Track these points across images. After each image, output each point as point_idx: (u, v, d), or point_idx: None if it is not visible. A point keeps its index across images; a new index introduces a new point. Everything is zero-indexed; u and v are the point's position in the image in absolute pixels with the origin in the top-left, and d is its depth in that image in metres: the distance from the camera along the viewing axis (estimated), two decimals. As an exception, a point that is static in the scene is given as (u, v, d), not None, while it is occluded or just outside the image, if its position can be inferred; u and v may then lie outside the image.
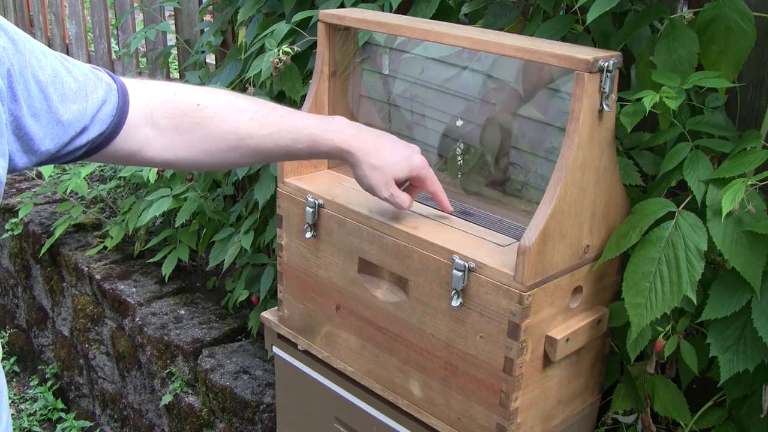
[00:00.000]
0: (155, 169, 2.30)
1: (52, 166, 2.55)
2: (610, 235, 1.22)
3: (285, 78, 1.74)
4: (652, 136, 1.31)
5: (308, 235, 1.38)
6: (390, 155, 1.17)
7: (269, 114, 1.09)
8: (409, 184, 1.23)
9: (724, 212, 1.08)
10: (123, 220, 2.62)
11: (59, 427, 2.80)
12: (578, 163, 1.11)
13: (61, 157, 0.94)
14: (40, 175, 3.06)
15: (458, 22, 1.57)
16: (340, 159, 1.17)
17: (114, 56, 3.46)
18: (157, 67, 2.92)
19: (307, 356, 1.50)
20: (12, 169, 0.87)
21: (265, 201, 1.85)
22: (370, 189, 1.19)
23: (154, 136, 1.01)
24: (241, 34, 2.07)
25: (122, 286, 2.49)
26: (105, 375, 2.63)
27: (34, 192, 3.09)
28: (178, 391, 2.20)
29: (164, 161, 1.05)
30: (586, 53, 1.09)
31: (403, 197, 1.20)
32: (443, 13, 1.56)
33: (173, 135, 1.03)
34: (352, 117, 1.52)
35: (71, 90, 0.90)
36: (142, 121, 1.00)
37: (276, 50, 1.68)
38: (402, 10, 1.57)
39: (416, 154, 1.20)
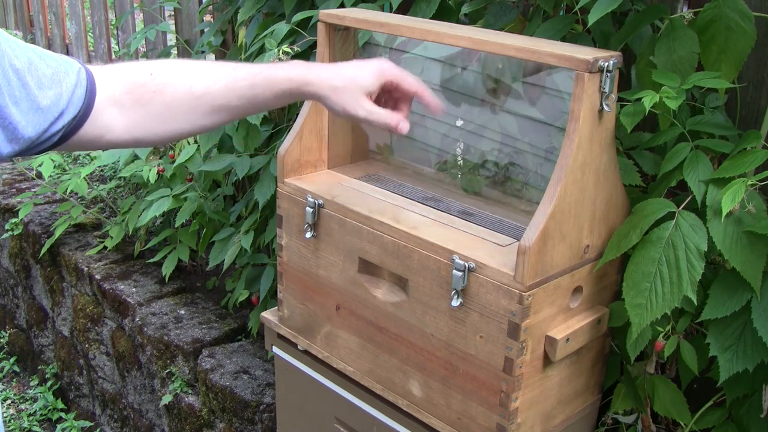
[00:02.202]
0: (155, 169, 2.30)
1: (52, 166, 2.56)
2: (610, 235, 1.22)
3: (285, 78, 1.74)
4: (652, 136, 1.31)
5: (308, 235, 1.38)
6: (352, 70, 1.10)
7: (221, 68, 1.08)
8: (396, 99, 1.15)
9: (724, 212, 1.08)
10: (123, 220, 2.62)
11: (59, 427, 2.80)
12: (578, 163, 1.11)
13: (40, 144, 0.95)
14: (40, 175, 3.06)
15: (458, 22, 1.58)
16: (304, 97, 1.13)
17: (114, 56, 3.46)
18: (157, 67, 2.91)
19: (307, 356, 1.50)
20: None
21: (265, 201, 1.85)
22: (345, 114, 1.11)
23: (118, 114, 1.02)
24: (241, 34, 2.07)
25: (122, 286, 2.49)
26: (105, 375, 2.63)
27: (34, 192, 3.09)
28: (178, 391, 2.20)
29: (131, 138, 1.05)
30: (586, 53, 1.09)
31: (385, 112, 1.11)
32: (443, 13, 1.56)
33: (136, 109, 1.03)
34: (352, 117, 1.52)
35: (46, 76, 0.92)
36: (105, 102, 1.01)
37: (276, 50, 1.68)
38: (402, 10, 1.57)
39: (378, 60, 1.13)
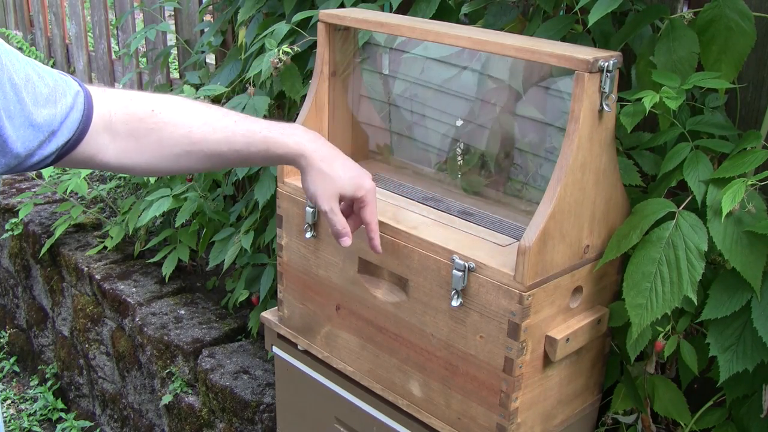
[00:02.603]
0: (155, 169, 2.30)
1: (51, 167, 2.55)
2: (610, 235, 1.22)
3: (285, 78, 1.74)
4: (652, 136, 1.31)
5: (308, 235, 1.38)
6: (341, 168, 1.15)
7: (223, 118, 1.10)
8: (351, 213, 1.20)
9: (724, 212, 1.08)
10: (123, 220, 2.62)
11: (59, 427, 2.80)
12: (578, 163, 1.11)
13: (30, 165, 0.95)
14: (40, 175, 3.06)
15: (458, 22, 1.57)
16: (292, 164, 1.15)
17: (114, 56, 3.46)
18: (157, 67, 2.92)
19: (307, 356, 1.50)
20: None
21: (265, 201, 1.85)
22: (313, 198, 1.15)
23: (110, 141, 1.03)
24: (241, 34, 2.07)
25: (122, 286, 2.49)
26: (105, 375, 2.63)
27: (34, 192, 3.09)
28: (178, 391, 2.20)
29: (120, 166, 1.06)
30: (586, 53, 1.09)
31: (341, 220, 1.16)
32: (443, 13, 1.56)
33: (129, 140, 1.04)
34: (352, 117, 1.52)
35: (42, 95, 0.93)
36: (101, 126, 1.01)
37: (276, 50, 1.68)
38: (402, 10, 1.57)
39: (367, 177, 1.17)
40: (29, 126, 0.91)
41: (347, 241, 1.17)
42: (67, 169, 2.90)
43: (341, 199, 1.16)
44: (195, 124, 1.07)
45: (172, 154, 1.07)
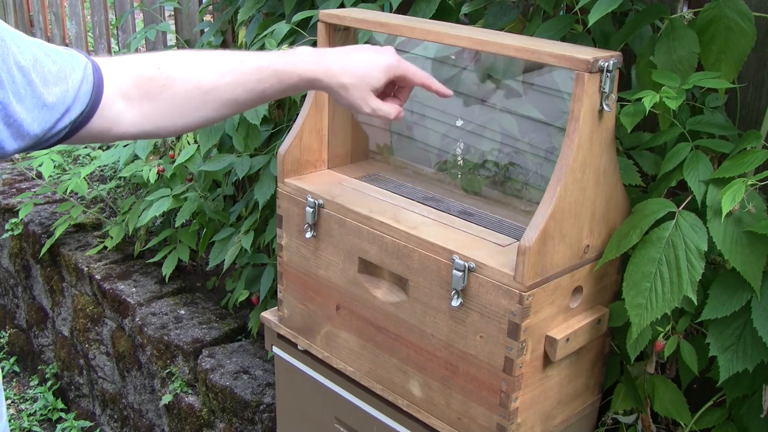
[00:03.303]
0: (155, 169, 2.30)
1: (52, 166, 2.56)
2: (610, 235, 1.22)
3: (285, 78, 1.74)
4: (652, 136, 1.31)
5: (308, 235, 1.38)
6: (359, 67, 1.11)
7: (229, 61, 1.07)
8: (397, 87, 1.17)
9: (724, 212, 1.08)
10: (123, 220, 2.62)
11: (59, 427, 2.80)
12: (578, 163, 1.11)
13: (47, 140, 0.95)
14: (40, 175, 3.06)
15: (458, 22, 1.58)
16: (311, 89, 1.12)
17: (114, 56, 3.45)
18: (157, 67, 2.91)
19: (307, 356, 1.50)
20: (1, 156, 0.88)
21: (265, 201, 1.85)
22: (351, 108, 1.13)
23: (125, 108, 1.02)
24: (241, 34, 2.07)
25: (122, 286, 2.49)
26: (105, 375, 2.63)
27: (34, 192, 3.09)
28: (178, 391, 2.20)
29: (140, 132, 1.05)
30: (586, 53, 1.09)
31: (387, 108, 1.13)
32: (443, 13, 1.56)
33: (143, 103, 1.02)
34: (352, 117, 1.52)
35: (52, 73, 0.92)
36: (113, 95, 1.00)
37: (276, 50, 1.68)
38: (402, 10, 1.57)
39: (387, 55, 1.13)
40: (42, 107, 0.90)
41: (402, 114, 1.16)
42: (67, 169, 2.90)
43: (375, 91, 1.12)
44: (203, 73, 1.05)
45: (189, 108, 1.05)
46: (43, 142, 0.94)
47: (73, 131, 0.97)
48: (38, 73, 0.90)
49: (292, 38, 1.76)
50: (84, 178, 2.57)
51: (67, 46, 3.73)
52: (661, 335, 1.21)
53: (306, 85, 1.10)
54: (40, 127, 0.91)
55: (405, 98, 1.17)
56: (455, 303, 1.16)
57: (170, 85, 1.03)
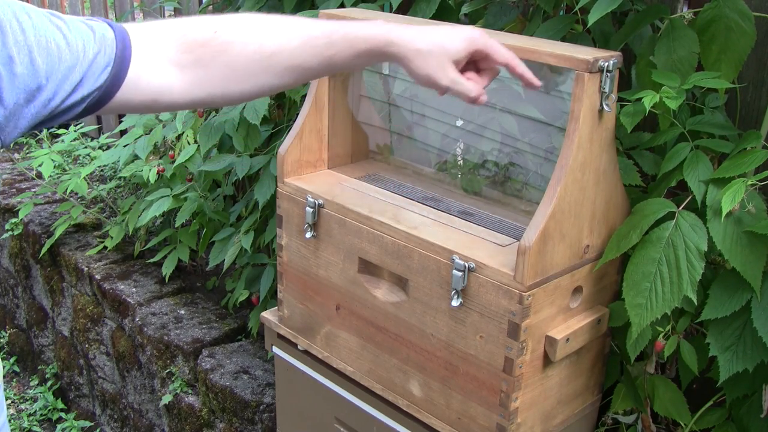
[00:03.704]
0: (155, 169, 2.30)
1: (52, 166, 2.56)
2: (610, 235, 1.22)
3: (285, 78, 1.74)
4: (652, 136, 1.31)
5: (308, 235, 1.38)
6: (439, 36, 1.00)
7: (296, 24, 0.99)
8: (477, 69, 1.05)
9: (724, 212, 1.08)
10: (123, 220, 2.62)
11: (59, 427, 2.80)
12: (578, 163, 1.11)
13: (56, 116, 0.89)
14: (40, 175, 3.06)
15: (458, 22, 1.58)
16: (385, 58, 1.01)
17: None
18: (157, 67, 2.91)
19: (307, 356, 1.50)
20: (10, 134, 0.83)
21: (265, 201, 1.85)
22: (428, 80, 1.01)
23: (174, 76, 0.94)
24: (241, 34, 2.07)
25: (122, 286, 2.49)
26: (105, 375, 2.63)
27: (34, 192, 3.09)
28: (178, 391, 2.20)
29: (194, 100, 0.97)
30: (586, 53, 1.09)
31: (469, 84, 1.01)
32: (443, 13, 1.56)
33: (196, 70, 0.95)
34: (352, 117, 1.52)
35: (61, 51, 0.85)
36: (157, 64, 0.93)
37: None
38: (402, 10, 1.57)
39: (469, 29, 1.03)
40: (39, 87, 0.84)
41: (485, 98, 1.04)
42: (67, 169, 2.90)
43: (456, 63, 1.01)
44: (265, 36, 0.96)
45: (247, 74, 0.96)
46: (53, 118, 0.88)
47: (94, 107, 0.91)
48: (47, 52, 0.84)
49: (292, 38, 1.76)
50: (84, 178, 2.57)
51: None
52: (661, 335, 1.21)
53: (378, 51, 1.00)
54: (44, 107, 0.85)
55: (488, 81, 1.05)
56: (455, 303, 1.16)
57: (227, 49, 0.95)
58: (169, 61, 0.94)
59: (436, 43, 1.00)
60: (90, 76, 0.88)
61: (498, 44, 1.03)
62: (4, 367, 3.17)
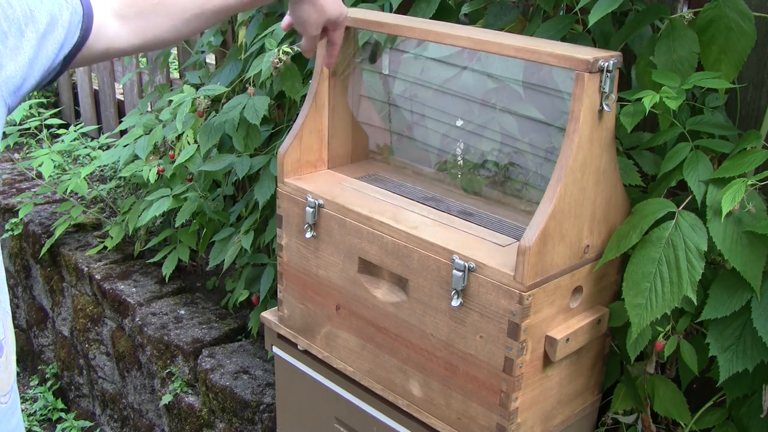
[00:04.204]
0: (155, 169, 2.30)
1: (52, 166, 2.56)
2: (610, 235, 1.22)
3: (285, 78, 1.74)
4: (652, 136, 1.31)
5: (308, 235, 1.38)
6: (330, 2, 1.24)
7: None
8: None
9: (724, 212, 1.08)
10: (123, 220, 2.62)
11: (59, 427, 2.80)
12: (578, 163, 1.11)
13: (46, 78, 0.97)
14: (40, 175, 3.06)
15: (458, 22, 1.58)
16: None
17: (114, 56, 3.45)
18: (156, 67, 2.92)
19: (307, 356, 1.50)
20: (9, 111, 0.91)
21: (265, 201, 1.85)
22: (303, 24, 1.25)
23: (120, 28, 1.05)
24: (241, 34, 2.07)
25: (122, 286, 2.49)
26: (105, 375, 2.63)
27: (34, 192, 3.09)
28: (178, 391, 2.20)
29: (135, 47, 1.09)
30: (586, 53, 1.09)
31: (314, 43, 1.29)
32: (443, 13, 1.56)
33: (138, 20, 1.07)
34: (352, 117, 1.52)
35: (43, 21, 0.93)
36: (106, 18, 1.04)
37: (276, 50, 1.68)
38: (402, 10, 1.57)
39: (343, 5, 1.28)
40: (31, 61, 0.92)
41: (330, 63, 1.37)
42: (67, 169, 2.90)
43: (324, 24, 1.26)
44: None
45: (183, 20, 1.10)
46: (44, 80, 0.96)
47: (67, 62, 1.00)
48: (29, 24, 0.91)
49: (291, 38, 1.76)
50: (84, 178, 2.57)
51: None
52: (661, 335, 1.21)
53: None
54: (39, 72, 0.93)
55: (331, 56, 1.35)
56: (455, 303, 1.16)
57: (165, 2, 1.08)
58: (115, 13, 1.05)
59: (324, 3, 1.23)
60: (68, 35, 0.97)
61: (343, 29, 1.32)
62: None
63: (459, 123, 1.42)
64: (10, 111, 0.91)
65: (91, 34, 1.01)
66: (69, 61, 1.00)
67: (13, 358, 0.92)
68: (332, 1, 1.26)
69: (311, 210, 1.36)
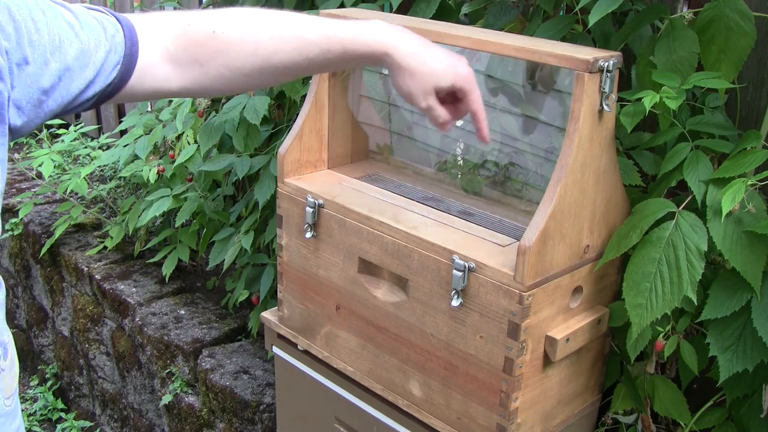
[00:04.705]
0: (155, 169, 2.30)
1: (52, 166, 2.56)
2: (610, 235, 1.22)
3: (285, 78, 1.74)
4: (652, 136, 1.31)
5: (308, 235, 1.38)
6: (433, 60, 1.03)
7: (293, 26, 1.01)
8: (454, 101, 1.09)
9: (724, 212, 1.08)
10: (123, 220, 2.62)
11: (59, 427, 2.80)
12: (578, 163, 1.11)
13: (68, 111, 0.92)
14: (40, 175, 3.06)
15: (458, 22, 1.58)
16: (377, 63, 1.05)
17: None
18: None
19: (307, 356, 1.50)
20: (16, 132, 0.86)
21: (265, 201, 1.85)
22: (408, 97, 1.05)
23: (172, 71, 0.97)
24: (241, 34, 2.07)
25: (122, 286, 2.49)
26: (105, 375, 2.63)
27: (34, 192, 3.09)
28: (178, 391, 2.20)
29: (190, 93, 1.02)
30: (586, 53, 1.09)
31: (442, 111, 1.06)
32: (443, 13, 1.56)
33: (193, 67, 0.98)
34: (352, 117, 1.52)
35: (71, 54, 0.88)
36: (158, 59, 0.96)
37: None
38: (402, 10, 1.57)
39: (463, 64, 1.06)
40: (65, 89, 0.88)
41: (449, 128, 1.09)
42: (67, 169, 2.90)
43: (438, 91, 1.05)
44: (262, 39, 0.98)
45: (242, 74, 1.00)
46: (66, 112, 0.91)
47: (102, 99, 0.94)
48: (55, 54, 0.86)
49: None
50: (84, 178, 2.57)
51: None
52: (661, 335, 1.21)
53: (372, 58, 1.03)
54: (56, 104, 0.88)
55: (459, 116, 1.10)
56: (455, 303, 1.16)
57: (224, 50, 0.98)
58: (169, 56, 0.96)
59: (428, 67, 1.03)
60: (102, 74, 0.91)
61: (477, 92, 1.07)
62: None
63: (459, 123, 1.42)
64: (15, 131, 0.85)
65: (134, 76, 0.94)
66: (103, 99, 0.94)
67: (17, 361, 0.91)
68: (440, 66, 1.04)
69: (311, 210, 1.36)
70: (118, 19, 0.94)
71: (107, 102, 0.96)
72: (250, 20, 1.00)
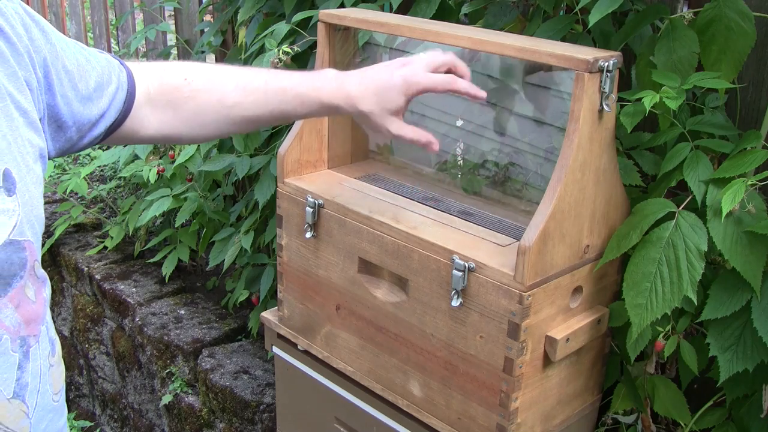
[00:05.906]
0: (155, 169, 2.30)
1: (52, 166, 2.56)
2: (610, 235, 1.22)
3: (285, 78, 1.74)
4: (652, 136, 1.31)
5: (308, 235, 1.38)
6: (378, 91, 1.09)
7: (254, 80, 1.10)
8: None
9: (724, 212, 1.08)
10: (123, 220, 2.62)
11: (59, 427, 2.79)
12: (578, 163, 1.11)
13: (81, 146, 0.99)
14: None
15: (458, 22, 1.57)
16: (334, 114, 1.16)
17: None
18: (157, 67, 2.92)
19: (307, 356, 1.50)
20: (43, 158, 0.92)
21: (265, 201, 1.85)
22: (377, 134, 1.14)
23: (151, 114, 1.05)
24: (241, 34, 2.07)
25: (122, 286, 2.49)
26: (105, 375, 2.63)
27: (34, 192, 3.09)
28: (178, 391, 2.20)
29: (163, 137, 1.09)
30: (586, 53, 1.09)
31: (413, 133, 1.12)
32: (443, 13, 1.56)
33: (167, 111, 1.06)
34: (352, 117, 1.52)
35: (93, 79, 0.96)
36: (142, 101, 1.04)
37: (276, 50, 1.68)
38: (402, 10, 1.57)
39: (402, 73, 1.09)
40: (83, 111, 0.94)
41: (436, 146, 1.14)
42: (67, 169, 2.90)
43: (400, 113, 1.11)
44: (228, 89, 1.08)
45: (211, 120, 1.08)
46: (76, 145, 0.97)
47: (107, 135, 1.01)
48: (82, 77, 0.93)
49: (292, 38, 1.76)
50: (84, 178, 2.57)
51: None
52: (661, 335, 1.21)
53: (327, 111, 1.13)
54: (76, 130, 0.94)
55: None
56: (455, 303, 1.16)
57: (195, 97, 1.06)
58: (148, 99, 1.05)
59: (375, 102, 1.09)
60: (111, 108, 0.99)
61: (432, 77, 1.10)
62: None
63: (459, 123, 1.42)
64: (51, 152, 0.92)
65: (130, 114, 1.02)
66: (109, 134, 1.01)
67: (62, 359, 0.96)
68: (390, 96, 1.09)
69: (311, 210, 1.36)
70: (119, 62, 1.03)
71: (101, 143, 1.03)
72: (217, 72, 1.10)
